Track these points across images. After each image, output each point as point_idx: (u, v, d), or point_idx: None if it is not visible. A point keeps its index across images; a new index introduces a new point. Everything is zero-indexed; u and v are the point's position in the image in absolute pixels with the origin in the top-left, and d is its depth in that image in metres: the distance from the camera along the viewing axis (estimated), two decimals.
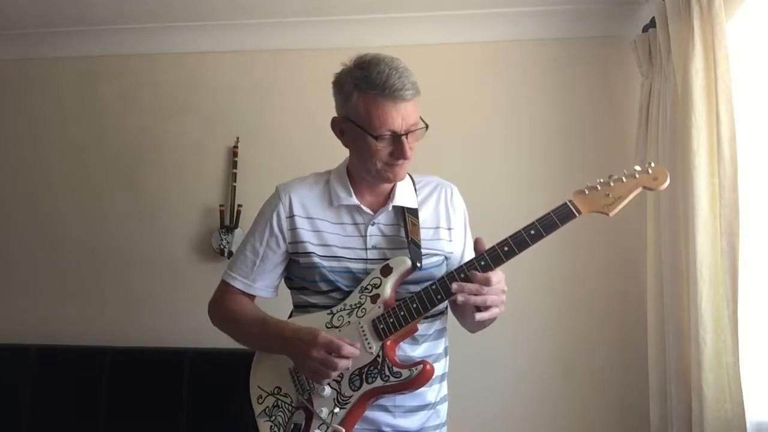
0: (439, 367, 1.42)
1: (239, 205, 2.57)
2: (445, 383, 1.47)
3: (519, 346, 2.41)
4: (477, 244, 1.29)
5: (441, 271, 1.41)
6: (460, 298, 1.23)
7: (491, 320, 1.38)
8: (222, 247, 2.53)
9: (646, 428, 2.13)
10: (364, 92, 1.29)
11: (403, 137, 1.30)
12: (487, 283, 1.24)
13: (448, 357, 1.49)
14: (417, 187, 1.47)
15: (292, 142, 2.58)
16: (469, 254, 1.49)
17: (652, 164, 1.31)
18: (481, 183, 2.49)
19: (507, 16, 2.53)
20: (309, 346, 1.26)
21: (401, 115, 1.28)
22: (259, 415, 1.36)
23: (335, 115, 1.39)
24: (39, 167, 2.73)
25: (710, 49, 1.80)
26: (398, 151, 1.31)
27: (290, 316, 1.49)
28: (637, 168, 1.30)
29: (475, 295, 1.23)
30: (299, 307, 1.45)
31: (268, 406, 1.35)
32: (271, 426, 1.34)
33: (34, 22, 2.66)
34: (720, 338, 1.73)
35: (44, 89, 2.77)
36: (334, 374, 1.27)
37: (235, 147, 2.61)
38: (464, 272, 1.27)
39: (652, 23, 2.18)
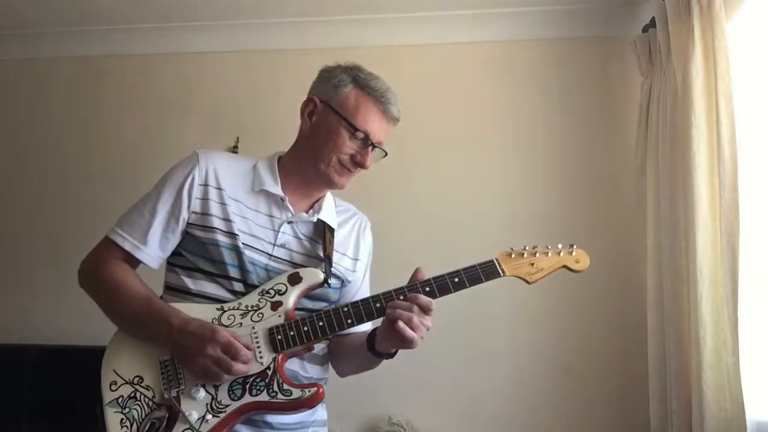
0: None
1: None
2: (322, 408, 1.38)
3: (519, 346, 2.41)
4: (417, 273, 1.26)
5: (336, 294, 1.38)
6: (390, 311, 1.19)
7: (373, 367, 1.37)
8: None
9: (646, 428, 2.12)
10: (360, 89, 1.32)
11: (370, 147, 1.32)
12: (427, 310, 1.20)
13: (326, 385, 1.40)
14: (337, 210, 1.45)
15: (292, 142, 2.58)
16: (365, 292, 1.47)
17: (575, 246, 1.35)
18: (481, 183, 2.49)
19: (507, 16, 2.53)
20: (204, 342, 1.15)
21: (380, 128, 1.33)
22: (109, 404, 1.21)
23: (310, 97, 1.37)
24: (39, 167, 2.73)
25: (710, 49, 1.80)
26: (361, 157, 1.32)
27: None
28: (560, 246, 1.34)
29: (409, 312, 1.18)
30: (175, 291, 1.30)
31: (122, 396, 1.21)
32: (122, 419, 1.19)
33: (34, 22, 2.66)
34: (720, 338, 1.73)
35: (44, 89, 2.77)
36: (227, 378, 1.17)
37: (235, 147, 2.61)
38: (380, 301, 1.23)
39: (652, 23, 2.18)
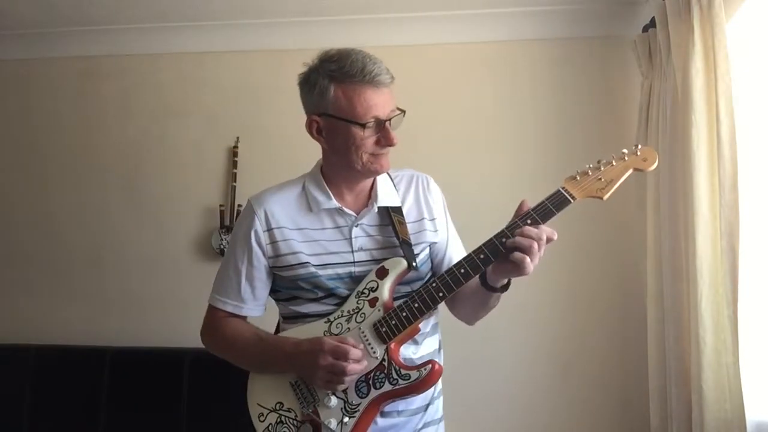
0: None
1: (239, 205, 2.57)
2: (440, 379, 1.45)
3: (519, 346, 2.41)
4: (521, 205, 1.27)
5: (428, 266, 1.41)
6: (519, 239, 1.19)
7: (494, 305, 1.38)
8: (222, 247, 2.53)
9: (646, 428, 2.12)
10: (342, 82, 1.27)
11: (387, 123, 1.29)
12: (540, 237, 1.20)
13: (442, 351, 1.47)
14: (395, 182, 1.45)
15: (292, 142, 2.56)
16: (454, 241, 1.48)
17: (639, 146, 1.30)
18: (481, 183, 2.49)
19: (507, 16, 2.53)
20: (315, 356, 1.24)
21: (382, 101, 1.28)
22: None
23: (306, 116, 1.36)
24: (39, 167, 2.73)
25: (710, 49, 1.80)
26: (385, 138, 1.29)
27: (277, 328, 1.47)
28: (625, 150, 1.29)
29: (535, 240, 1.19)
30: (289, 318, 1.41)
31: (271, 423, 1.30)
32: None
33: (34, 22, 2.66)
34: (720, 338, 1.73)
35: (44, 89, 2.77)
36: (348, 380, 1.24)
37: (235, 147, 2.61)
38: (463, 267, 1.25)
39: (652, 23, 2.19)
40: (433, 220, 1.43)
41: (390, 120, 1.29)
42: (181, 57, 2.71)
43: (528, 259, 1.18)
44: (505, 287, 1.32)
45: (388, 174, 1.46)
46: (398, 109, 1.32)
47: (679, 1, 1.94)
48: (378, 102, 1.27)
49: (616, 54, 2.49)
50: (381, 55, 1.35)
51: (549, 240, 1.21)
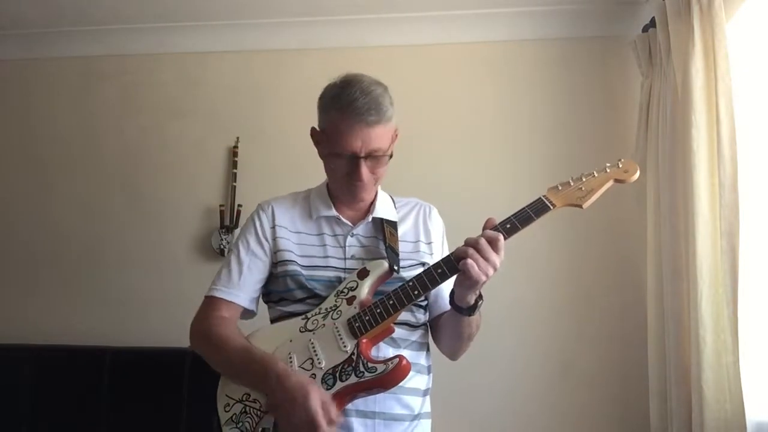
0: (422, 381, 1.40)
1: (239, 205, 2.57)
2: (428, 399, 1.44)
3: (518, 345, 2.41)
4: (488, 222, 1.29)
5: None
6: (466, 252, 1.22)
7: (468, 333, 1.39)
8: (222, 247, 2.53)
9: (646, 428, 2.12)
10: (334, 108, 1.33)
11: (361, 160, 1.31)
12: (493, 243, 1.22)
13: (431, 375, 1.46)
14: (396, 206, 1.51)
15: (292, 142, 2.56)
16: None
17: (622, 159, 1.35)
18: (481, 183, 2.49)
19: (507, 16, 2.53)
20: (294, 407, 1.17)
21: (361, 138, 1.30)
22: (225, 424, 1.31)
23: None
24: (39, 167, 2.73)
25: (710, 49, 1.80)
26: (354, 174, 1.33)
27: None
28: (608, 164, 1.34)
29: (470, 246, 1.22)
30: (276, 320, 1.43)
31: (235, 413, 1.30)
32: None
33: (34, 22, 2.66)
34: (720, 338, 1.73)
35: (44, 89, 2.77)
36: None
37: (235, 147, 2.61)
38: (441, 267, 1.27)
39: (652, 23, 2.19)
40: (429, 243, 1.47)
41: (366, 158, 1.32)
42: (181, 57, 2.71)
43: (469, 261, 1.20)
44: (471, 310, 1.31)
45: (391, 198, 1.52)
46: (387, 153, 1.33)
47: (679, 1, 1.94)
48: (355, 138, 1.30)
49: (616, 54, 2.49)
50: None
51: (491, 240, 1.22)
